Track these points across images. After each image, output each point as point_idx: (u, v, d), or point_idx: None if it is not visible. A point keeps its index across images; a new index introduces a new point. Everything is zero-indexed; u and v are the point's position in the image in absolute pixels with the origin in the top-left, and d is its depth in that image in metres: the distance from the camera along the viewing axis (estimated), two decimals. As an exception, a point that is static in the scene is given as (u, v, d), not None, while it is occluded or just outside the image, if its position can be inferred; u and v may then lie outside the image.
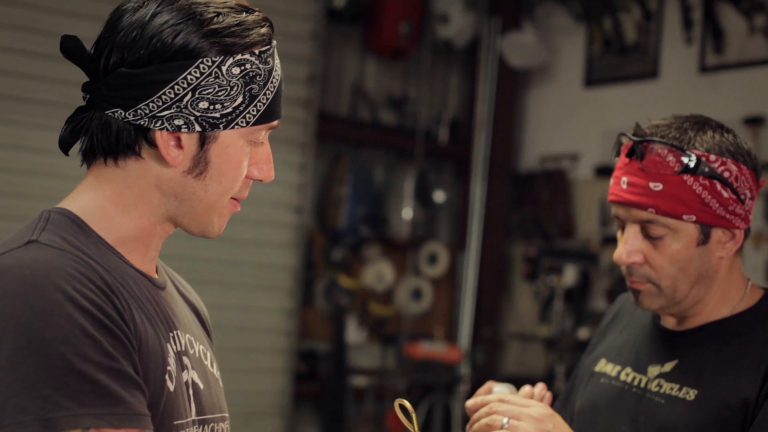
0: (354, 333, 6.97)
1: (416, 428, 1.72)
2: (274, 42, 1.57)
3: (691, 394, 1.99)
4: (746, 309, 2.05)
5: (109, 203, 1.53)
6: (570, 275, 6.53)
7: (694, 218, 1.97)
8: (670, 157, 1.97)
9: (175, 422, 1.47)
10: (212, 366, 1.68)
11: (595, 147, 6.81)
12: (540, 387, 2.03)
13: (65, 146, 1.57)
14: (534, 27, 7.18)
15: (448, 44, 7.28)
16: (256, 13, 1.56)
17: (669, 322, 2.12)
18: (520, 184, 7.32)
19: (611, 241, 6.55)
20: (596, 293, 6.62)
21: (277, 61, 1.57)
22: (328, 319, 6.88)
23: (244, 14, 1.53)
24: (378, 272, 7.10)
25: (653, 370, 2.08)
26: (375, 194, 7.14)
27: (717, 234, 2.00)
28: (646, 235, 2.00)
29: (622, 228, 2.05)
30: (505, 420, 1.88)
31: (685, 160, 1.96)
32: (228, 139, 1.53)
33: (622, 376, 2.12)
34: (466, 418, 6.47)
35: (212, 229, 1.58)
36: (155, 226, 1.55)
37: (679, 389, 2.01)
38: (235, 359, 6.00)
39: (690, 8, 6.29)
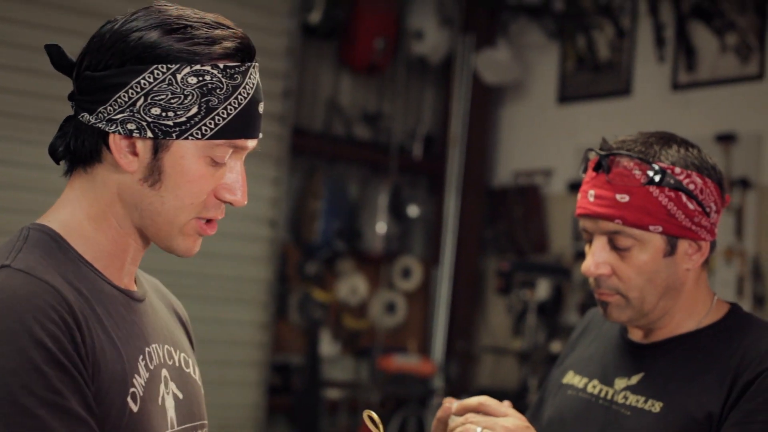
0: (328, 346, 6.99)
1: None
2: (251, 63, 1.55)
3: (656, 407, 2.01)
4: (712, 323, 2.08)
5: (85, 218, 1.53)
6: (543, 289, 6.57)
7: (660, 229, 1.99)
8: (636, 170, 2.00)
9: None
10: (194, 372, 1.68)
11: (569, 163, 6.86)
12: (506, 405, 2.04)
13: (55, 155, 1.57)
14: (508, 44, 7.23)
15: (422, 60, 7.33)
16: (232, 30, 1.55)
17: (636, 335, 2.14)
18: (494, 199, 7.36)
19: (584, 256, 6.58)
20: (569, 307, 6.66)
21: (252, 80, 1.55)
22: (302, 332, 6.89)
23: (217, 30, 1.53)
24: (352, 286, 7.12)
25: (620, 383, 2.10)
26: (349, 209, 7.16)
27: (683, 246, 2.03)
28: (614, 246, 2.02)
29: (590, 241, 2.07)
30: (479, 430, 1.87)
31: (650, 172, 1.99)
32: (183, 150, 1.51)
33: (590, 388, 2.14)
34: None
35: (178, 247, 1.56)
36: (128, 239, 1.55)
37: (645, 401, 2.03)
38: (209, 372, 5.98)
39: (662, 26, 6.36)
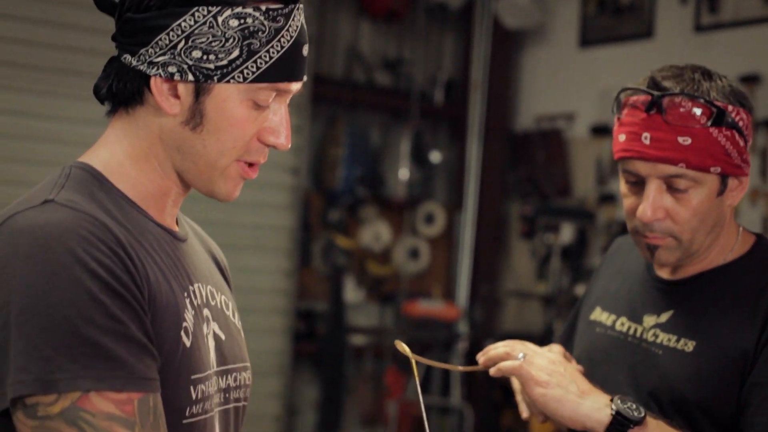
0: (352, 292, 7.01)
1: (415, 368, 1.74)
2: (295, 5, 1.53)
3: (689, 346, 1.99)
4: (739, 256, 2.06)
5: (126, 158, 1.53)
6: (567, 233, 6.57)
7: (719, 170, 1.96)
8: (696, 110, 1.94)
9: (193, 376, 1.48)
10: (234, 316, 1.68)
11: (591, 107, 6.83)
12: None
13: (98, 96, 1.56)
14: (529, -13, 7.17)
15: (442, 5, 7.28)
16: None
17: (663, 272, 2.12)
18: (516, 144, 7.34)
19: (607, 200, 6.58)
20: (593, 250, 6.65)
21: (296, 22, 1.53)
22: (326, 279, 6.91)
23: None
24: (375, 232, 7.13)
25: (649, 320, 2.08)
26: (371, 155, 7.15)
27: (731, 183, 2.01)
28: (669, 190, 1.98)
29: (633, 183, 2.02)
30: (521, 354, 1.93)
31: (711, 112, 1.94)
32: (225, 94, 1.50)
33: (618, 326, 2.13)
34: (464, 376, 6.48)
35: (219, 191, 1.55)
36: (169, 183, 1.55)
37: (677, 340, 2.01)
38: (235, 320, 6.02)
39: (684, -34, 6.29)
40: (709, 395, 1.95)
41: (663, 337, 2.04)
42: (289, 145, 1.57)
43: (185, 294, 1.51)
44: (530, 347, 1.98)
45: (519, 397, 2.10)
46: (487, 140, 7.32)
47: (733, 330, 1.96)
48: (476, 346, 6.85)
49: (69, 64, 5.40)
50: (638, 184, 2.02)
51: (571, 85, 7.06)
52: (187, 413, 1.47)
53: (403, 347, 1.80)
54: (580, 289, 6.36)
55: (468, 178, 7.33)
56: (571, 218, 6.62)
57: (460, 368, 2.21)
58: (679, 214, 1.98)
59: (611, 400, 1.88)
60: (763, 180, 5.80)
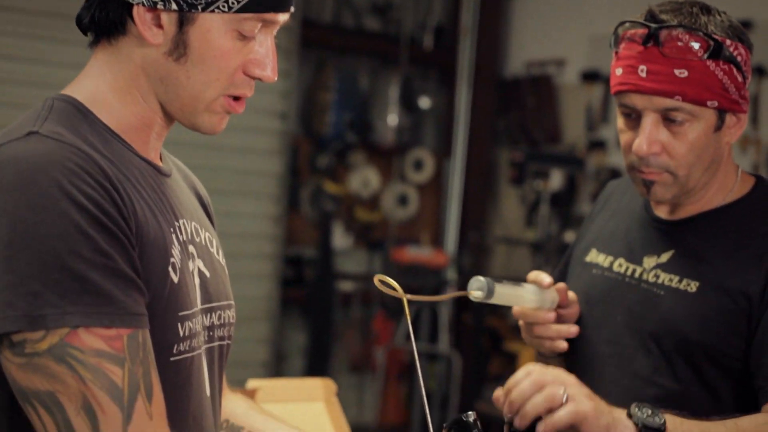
0: (340, 238, 7.00)
1: (402, 294, 1.68)
2: None
3: (692, 286, 1.98)
4: (740, 197, 2.04)
5: (109, 90, 1.49)
6: (556, 180, 6.55)
7: (716, 104, 1.94)
8: (693, 43, 1.92)
9: (181, 313, 1.45)
10: (218, 253, 1.66)
11: (581, 53, 6.78)
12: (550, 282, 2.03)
13: (81, 27, 1.53)
14: (520, -70, 7.10)
15: (433, -52, 7.22)
16: None
17: (662, 211, 2.10)
18: (506, 89, 7.30)
19: (597, 146, 6.56)
20: (582, 197, 6.64)
21: None
22: (314, 225, 6.89)
23: None
24: (364, 178, 7.11)
25: (649, 261, 2.06)
26: (360, 101, 7.11)
27: (728, 119, 1.99)
28: (665, 124, 1.96)
29: (627, 116, 2.01)
30: (562, 391, 1.70)
31: (708, 45, 1.92)
32: (209, 24, 1.47)
33: (615, 267, 2.11)
34: (452, 323, 6.46)
35: (203, 124, 1.52)
36: (153, 115, 1.52)
37: (680, 281, 2.00)
38: (222, 265, 6.01)
39: None
40: (712, 337, 1.93)
41: (664, 278, 2.02)
42: (276, 78, 1.54)
43: (171, 229, 1.49)
44: (553, 377, 1.75)
45: (524, 334, 2.11)
46: (477, 86, 7.27)
47: (738, 270, 1.95)
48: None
49: (56, 7, 5.35)
50: (635, 119, 2.00)
51: (562, 31, 7.00)
52: (174, 350, 1.45)
53: (389, 282, 1.73)
54: (569, 236, 6.36)
55: (457, 124, 7.30)
56: (561, 165, 6.60)
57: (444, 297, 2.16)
58: (675, 149, 1.96)
59: (628, 415, 1.76)
60: (754, 127, 5.77)
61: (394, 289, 1.67)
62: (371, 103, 7.20)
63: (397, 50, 7.08)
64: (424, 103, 7.30)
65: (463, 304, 6.94)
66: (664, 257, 2.05)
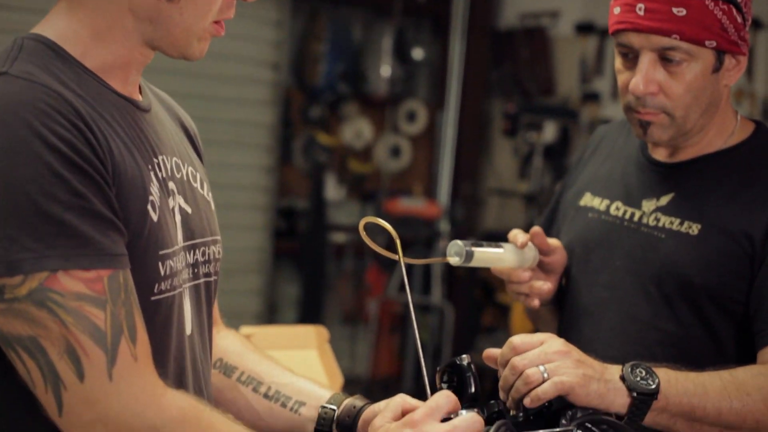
0: (333, 190, 6.98)
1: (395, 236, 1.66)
2: None
3: (694, 229, 1.96)
4: (741, 141, 2.03)
5: (83, 28, 1.44)
6: (549, 132, 6.53)
7: (714, 44, 1.92)
8: None
9: (161, 252, 1.43)
10: (202, 188, 1.63)
11: (575, 4, 6.73)
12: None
13: None
14: None
15: None
16: None
17: (660, 154, 2.08)
18: (500, 41, 7.25)
19: (591, 98, 6.53)
20: (575, 149, 6.61)
21: None
22: (306, 177, 6.87)
23: None
24: (356, 129, 7.08)
25: (648, 204, 2.04)
26: (353, 51, 7.07)
27: (727, 60, 1.96)
28: (663, 64, 1.94)
29: (625, 56, 1.99)
30: (542, 368, 1.64)
31: None
32: None
33: (613, 211, 2.09)
34: (445, 274, 6.46)
35: (192, 52, 1.49)
36: (132, 52, 1.48)
37: (681, 223, 1.98)
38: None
39: None
40: (715, 279, 1.92)
41: (665, 221, 2.01)
42: None
43: (150, 167, 1.45)
44: (531, 353, 1.68)
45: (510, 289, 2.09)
46: (471, 38, 7.23)
47: (741, 214, 1.93)
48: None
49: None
50: (632, 59, 1.98)
51: (556, -18, 6.96)
52: (155, 290, 1.43)
53: (380, 223, 1.69)
54: (562, 188, 6.34)
55: (450, 75, 7.26)
56: (554, 117, 6.58)
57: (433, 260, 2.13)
58: (672, 89, 1.95)
59: (622, 377, 1.70)
60: (749, 79, 5.75)
61: (387, 233, 1.63)
62: (364, 54, 7.16)
63: (390, 0, 7.03)
64: (418, 54, 7.26)
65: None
66: (664, 200, 2.03)
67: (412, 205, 6.93)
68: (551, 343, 1.68)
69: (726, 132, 2.04)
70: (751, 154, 2.00)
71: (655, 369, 1.73)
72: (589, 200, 2.15)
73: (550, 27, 6.95)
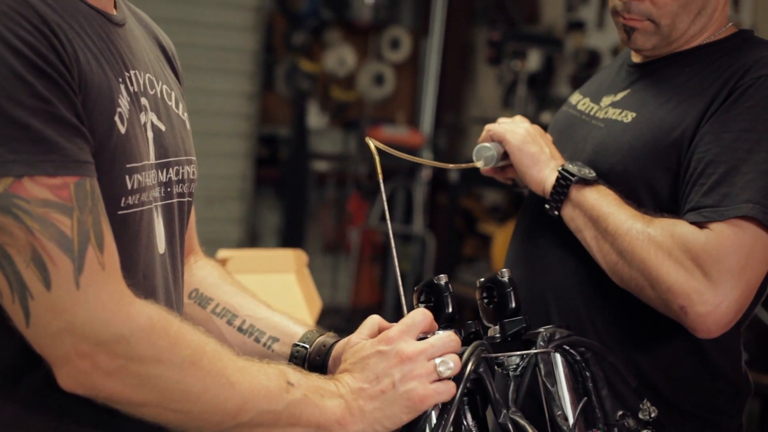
0: (315, 118, 6.94)
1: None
2: None
3: (628, 117, 1.96)
4: (712, 41, 1.98)
5: None
6: (534, 60, 6.47)
7: None
8: None
9: (128, 165, 1.39)
10: (177, 107, 1.59)
11: (562, -70, 6.67)
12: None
13: None
14: None
15: None
16: None
17: (638, 57, 2.06)
18: (485, -33, 7.19)
19: (576, 27, 6.48)
20: (560, 79, 6.58)
21: None
22: (289, 104, 6.83)
23: None
24: (340, 56, 7.02)
25: (606, 100, 2.04)
26: (336, -24, 7.00)
27: None
28: None
29: None
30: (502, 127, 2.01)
31: None
32: None
33: (579, 105, 2.10)
34: (427, 204, 6.47)
35: None
36: None
37: (620, 113, 1.98)
38: (195, 143, 5.95)
39: None
40: (636, 167, 1.91)
41: (612, 113, 2.01)
42: None
43: (120, 80, 1.41)
44: (504, 125, 2.04)
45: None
46: (456, -37, 7.16)
47: (679, 105, 1.91)
48: (440, 173, 6.83)
49: None
50: None
51: None
52: (122, 203, 1.39)
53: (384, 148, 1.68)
54: (545, 118, 6.31)
55: (435, 2, 7.19)
56: (539, 45, 6.52)
57: (451, 166, 2.15)
58: None
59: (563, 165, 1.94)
60: (735, 10, 5.71)
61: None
62: (348, -21, 7.09)
63: (375, -75, 6.95)
64: (402, -21, 7.20)
65: (438, 184, 6.92)
66: (620, 95, 2.03)
67: (395, 133, 6.90)
68: (520, 121, 2.03)
69: (708, 34, 1.99)
70: (715, 52, 1.95)
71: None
72: (574, 96, 2.17)
73: (536, -46, 6.89)
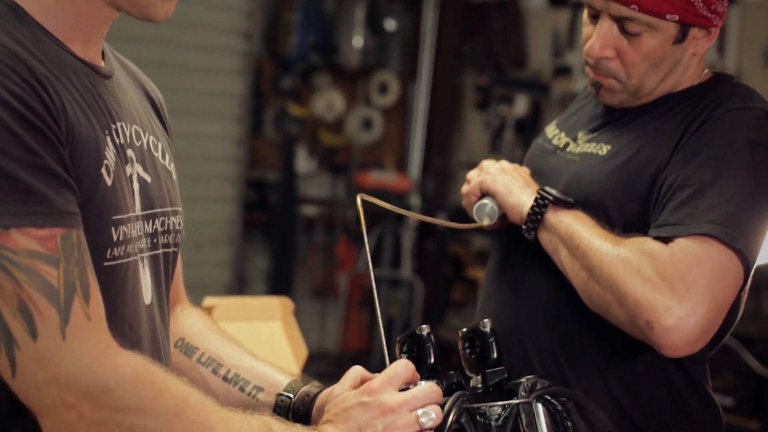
0: (304, 162, 6.96)
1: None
2: None
3: (603, 150, 1.98)
4: (691, 85, 2.01)
5: None
6: (521, 105, 6.52)
7: (677, 18, 1.90)
8: None
9: (114, 217, 1.41)
10: (164, 158, 1.61)
11: (549, -23, 6.72)
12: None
13: None
14: None
15: None
16: None
17: None
18: (473, 13, 7.24)
19: (563, 72, 6.52)
20: (547, 123, 6.59)
21: None
22: (277, 148, 6.85)
23: None
24: (328, 101, 7.05)
25: (582, 137, 2.06)
26: (325, 21, 7.03)
27: (694, 32, 1.94)
28: (623, 30, 1.92)
29: (593, 17, 1.97)
30: (484, 178, 2.06)
31: None
32: None
33: (555, 140, 2.12)
34: (415, 249, 6.47)
35: (156, 13, 1.47)
36: (95, 12, 1.45)
37: (596, 146, 2.00)
38: (184, 188, 5.94)
39: None
40: (611, 197, 1.93)
41: (586, 147, 2.03)
42: None
43: (106, 132, 1.44)
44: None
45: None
46: (443, 9, 7.21)
47: (654, 138, 1.93)
48: (427, 216, 6.83)
49: None
50: (596, 17, 1.97)
51: (530, -45, 6.94)
52: (108, 255, 1.41)
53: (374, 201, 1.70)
54: (533, 162, 6.34)
55: (423, 47, 7.24)
56: (526, 90, 6.57)
57: (459, 225, 2.16)
58: (628, 57, 1.94)
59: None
60: (720, 55, 5.76)
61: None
62: (336, 25, 7.12)
63: (363, -29, 7.00)
64: (390, 25, 7.23)
65: (426, 230, 6.94)
66: (596, 132, 2.05)
67: (384, 178, 6.93)
68: (504, 163, 2.09)
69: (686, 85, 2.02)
70: (690, 95, 1.98)
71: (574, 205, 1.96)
72: (550, 128, 2.19)
73: None
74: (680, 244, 1.79)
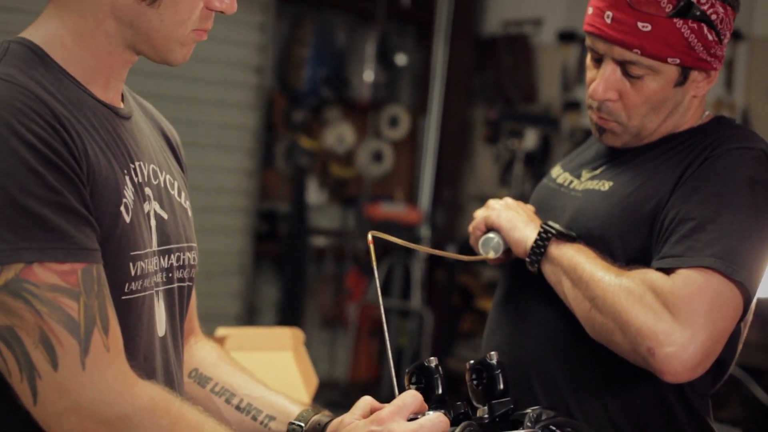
0: (314, 194, 7.00)
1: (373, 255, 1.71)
2: None
3: (605, 186, 2.03)
4: (691, 127, 2.06)
5: (68, 33, 1.49)
6: (531, 139, 6.55)
7: (678, 61, 1.95)
8: None
9: (132, 253, 1.47)
10: (180, 195, 1.66)
11: (559, 12, 6.77)
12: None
13: None
14: None
15: None
16: None
17: None
18: (483, 48, 7.28)
19: (572, 106, 6.56)
20: (556, 157, 6.64)
21: None
22: (288, 180, 6.89)
23: None
24: (339, 134, 7.09)
25: (586, 174, 2.12)
26: (336, 56, 7.08)
27: (694, 75, 1.99)
28: (625, 73, 1.98)
29: (597, 60, 2.03)
30: (489, 213, 2.12)
31: (678, 1, 1.92)
32: None
33: (559, 179, 2.17)
34: (425, 280, 6.49)
35: (174, 57, 1.53)
36: (114, 56, 1.52)
37: (598, 183, 2.06)
38: (196, 219, 5.97)
39: None
40: (613, 232, 1.98)
41: (589, 184, 2.08)
42: (235, 8, 1.55)
43: (125, 171, 1.50)
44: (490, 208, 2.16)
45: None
46: (454, 44, 7.25)
47: (655, 174, 1.98)
48: (438, 249, 6.86)
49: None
50: (599, 61, 2.02)
51: (540, -10, 6.99)
52: (125, 289, 1.46)
53: (386, 237, 1.76)
54: (542, 195, 6.36)
55: (433, 81, 7.28)
56: (536, 124, 6.61)
57: (466, 258, 2.21)
58: (630, 99, 1.99)
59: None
60: (727, 91, 5.79)
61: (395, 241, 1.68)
62: (347, 59, 7.18)
63: (374, 6, 7.05)
64: (401, 59, 7.28)
65: (435, 261, 6.96)
66: (599, 170, 2.10)
67: (393, 210, 6.96)
68: (505, 200, 2.13)
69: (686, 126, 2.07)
70: (692, 136, 2.03)
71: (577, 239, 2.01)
72: (555, 170, 2.24)
73: (533, 34, 6.98)
74: (682, 274, 1.84)
